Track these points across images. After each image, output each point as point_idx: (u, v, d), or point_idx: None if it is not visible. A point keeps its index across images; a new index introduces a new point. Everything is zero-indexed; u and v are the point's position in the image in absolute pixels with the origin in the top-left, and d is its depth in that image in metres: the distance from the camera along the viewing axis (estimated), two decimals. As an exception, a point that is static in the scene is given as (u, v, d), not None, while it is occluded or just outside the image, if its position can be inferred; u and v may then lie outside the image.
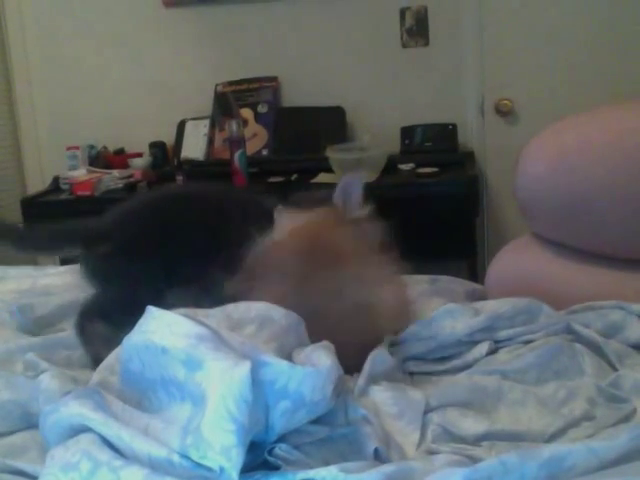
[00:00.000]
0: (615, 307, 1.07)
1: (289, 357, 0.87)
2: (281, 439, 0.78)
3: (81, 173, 2.65)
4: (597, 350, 0.99)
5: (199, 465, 0.72)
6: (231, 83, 2.81)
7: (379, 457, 0.79)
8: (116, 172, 2.62)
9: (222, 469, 0.71)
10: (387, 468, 0.71)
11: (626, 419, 0.83)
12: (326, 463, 0.76)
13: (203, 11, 2.79)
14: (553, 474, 0.67)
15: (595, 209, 1.24)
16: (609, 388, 0.89)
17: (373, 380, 0.93)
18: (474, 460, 0.75)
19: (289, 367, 0.77)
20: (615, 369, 0.96)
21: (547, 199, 1.31)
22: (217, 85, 2.82)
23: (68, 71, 2.89)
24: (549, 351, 0.95)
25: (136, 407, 0.82)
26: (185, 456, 0.72)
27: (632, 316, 1.04)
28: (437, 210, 2.37)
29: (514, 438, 0.81)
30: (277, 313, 0.91)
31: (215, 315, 0.91)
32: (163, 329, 0.81)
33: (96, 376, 0.92)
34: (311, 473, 0.72)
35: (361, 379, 0.93)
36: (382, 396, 0.90)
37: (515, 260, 1.41)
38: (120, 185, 2.56)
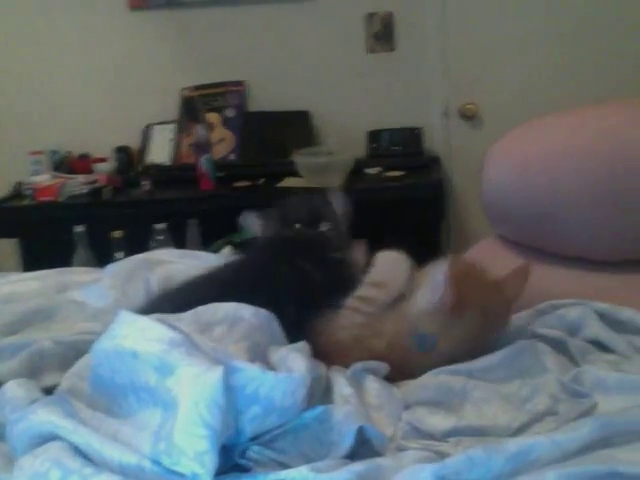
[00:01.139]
0: (577, 305, 1.09)
1: (263, 355, 0.88)
2: (254, 437, 0.78)
3: (44, 178, 2.61)
4: (559, 348, 1.02)
5: (171, 471, 0.72)
6: (197, 87, 2.80)
7: (364, 435, 0.79)
8: (81, 177, 2.59)
9: (195, 475, 0.71)
10: (357, 467, 0.72)
11: (587, 413, 0.85)
12: (302, 456, 0.77)
13: (169, 15, 2.78)
14: (518, 467, 0.69)
15: (558, 212, 1.27)
16: (571, 384, 0.91)
17: (369, 370, 0.94)
18: (442, 456, 0.76)
19: (261, 373, 0.77)
20: (577, 365, 0.98)
21: (511, 203, 1.33)
22: (183, 89, 2.81)
23: (31, 75, 2.84)
24: (513, 351, 0.97)
25: (106, 413, 0.81)
26: (157, 462, 0.72)
27: (591, 314, 1.07)
28: (403, 214, 2.39)
29: (480, 433, 0.82)
30: (247, 312, 0.92)
31: (185, 318, 0.91)
32: (135, 334, 0.81)
33: (65, 382, 0.91)
34: (282, 474, 0.73)
35: (359, 364, 0.94)
36: (370, 386, 0.91)
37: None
38: (85, 190, 2.54)
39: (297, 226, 1.13)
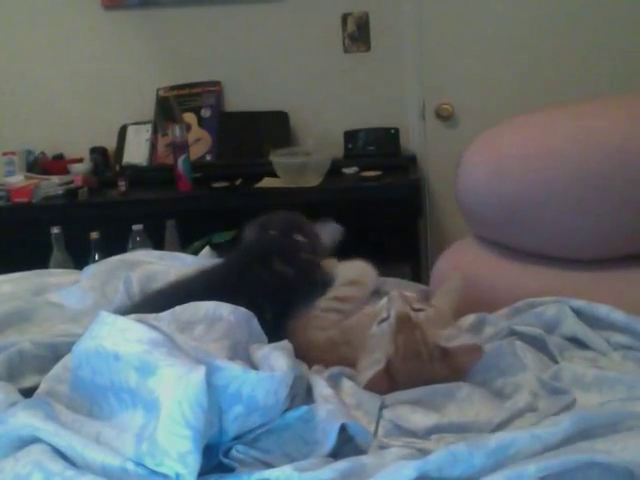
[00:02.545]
0: (554, 302, 1.11)
1: (244, 353, 0.88)
2: (237, 437, 0.78)
3: (18, 179, 2.58)
4: (538, 345, 1.03)
5: (154, 472, 0.72)
6: (173, 87, 2.79)
7: (347, 434, 0.80)
8: (55, 178, 2.56)
9: (178, 476, 0.71)
10: (340, 465, 0.73)
11: (567, 409, 0.86)
12: (286, 455, 0.77)
13: (144, 14, 2.76)
14: (500, 461, 0.70)
15: (534, 212, 1.28)
16: (550, 381, 0.93)
17: (344, 373, 0.95)
18: (424, 453, 0.76)
19: (243, 372, 0.77)
20: (555, 362, 1.00)
21: (487, 203, 1.34)
22: (159, 89, 2.79)
23: (3, 74, 2.80)
24: (492, 353, 0.99)
25: (86, 415, 0.81)
26: (140, 464, 0.72)
27: (568, 311, 1.09)
28: (380, 213, 2.41)
29: (462, 430, 0.83)
30: (225, 310, 0.92)
31: (164, 318, 0.91)
32: (115, 335, 0.80)
33: (43, 385, 0.90)
34: (265, 473, 0.73)
35: (336, 368, 0.95)
36: (346, 385, 0.92)
37: (459, 261, 1.44)
38: (60, 191, 2.51)
39: (272, 232, 1.20)
